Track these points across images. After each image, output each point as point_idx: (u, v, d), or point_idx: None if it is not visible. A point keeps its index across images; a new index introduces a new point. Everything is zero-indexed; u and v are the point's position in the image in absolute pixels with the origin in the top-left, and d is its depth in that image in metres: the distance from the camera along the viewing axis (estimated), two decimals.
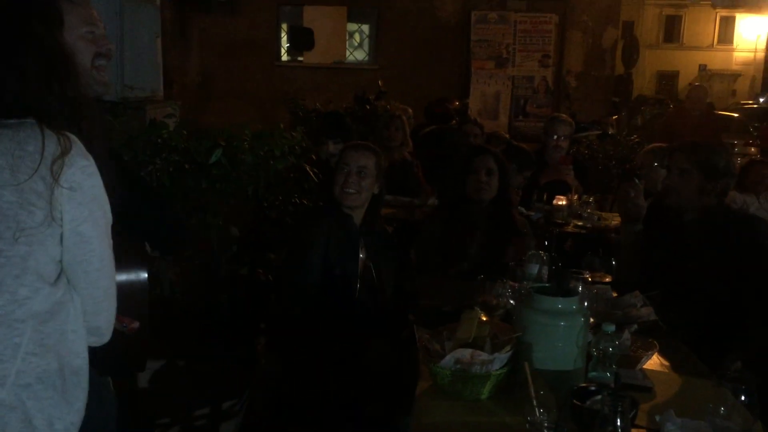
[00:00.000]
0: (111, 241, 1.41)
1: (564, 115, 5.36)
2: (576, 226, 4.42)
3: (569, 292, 2.03)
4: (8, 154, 1.25)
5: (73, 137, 1.32)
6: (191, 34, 11.10)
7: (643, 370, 2.16)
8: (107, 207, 1.39)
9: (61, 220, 1.31)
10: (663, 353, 2.34)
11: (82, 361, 1.39)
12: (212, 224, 2.99)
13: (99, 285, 1.40)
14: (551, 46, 11.20)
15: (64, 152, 1.29)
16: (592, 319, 2.15)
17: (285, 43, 11.86)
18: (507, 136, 6.64)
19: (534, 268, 2.46)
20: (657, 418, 1.78)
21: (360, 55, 12.39)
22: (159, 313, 3.07)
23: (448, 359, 1.94)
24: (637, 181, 3.14)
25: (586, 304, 2.18)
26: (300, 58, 11.96)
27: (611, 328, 1.93)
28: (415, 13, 11.17)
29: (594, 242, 4.17)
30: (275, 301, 2.78)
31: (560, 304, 1.99)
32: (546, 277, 2.47)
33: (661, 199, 3.05)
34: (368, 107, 6.01)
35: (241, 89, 10.35)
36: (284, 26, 11.81)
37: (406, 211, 4.52)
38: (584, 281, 2.38)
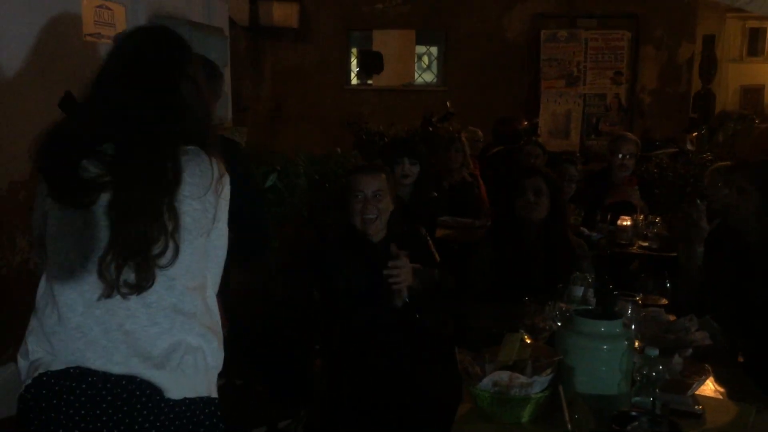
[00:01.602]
0: None
1: (629, 134, 5.27)
2: (641, 247, 4.32)
3: (612, 315, 2.00)
4: (196, 176, 1.64)
5: (220, 161, 1.71)
6: (264, 62, 11.45)
7: (695, 396, 2.10)
8: None
9: (217, 221, 1.71)
10: (719, 379, 2.26)
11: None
12: (269, 246, 3.07)
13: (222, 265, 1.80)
14: (624, 62, 10.98)
15: (222, 174, 1.70)
16: (638, 343, 2.11)
17: (354, 67, 12.06)
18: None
19: (579, 291, 2.43)
20: None
21: (428, 77, 12.45)
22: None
23: (486, 381, 1.94)
24: (699, 201, 3.05)
25: (633, 327, 2.14)
26: (369, 82, 12.12)
27: (654, 352, 1.88)
28: (482, 34, 11.18)
29: (660, 263, 4.07)
30: (324, 320, 2.84)
31: (602, 327, 1.96)
32: (592, 299, 2.43)
33: (722, 220, 2.95)
34: (431, 129, 6.05)
35: (312, 113, 10.58)
36: (354, 50, 12.02)
37: (466, 232, 4.52)
38: (634, 304, 2.33)
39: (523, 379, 1.92)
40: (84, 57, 3.52)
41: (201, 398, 1.67)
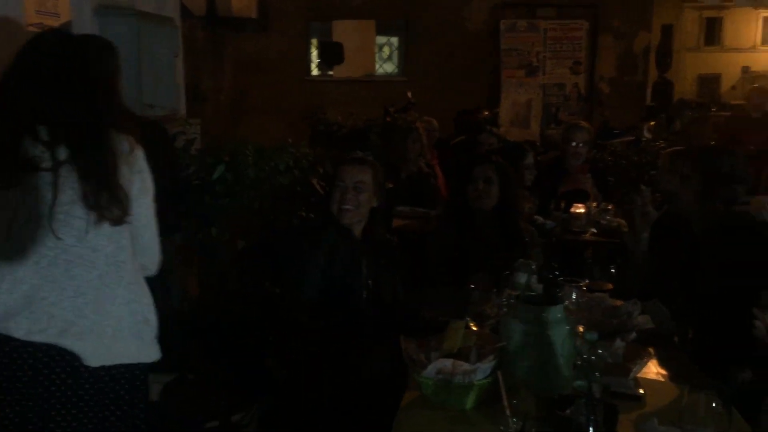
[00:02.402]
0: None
1: (583, 122, 5.31)
2: (593, 234, 4.37)
3: (554, 301, 2.02)
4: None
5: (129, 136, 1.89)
6: (223, 53, 11.31)
7: (636, 379, 2.14)
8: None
9: (135, 196, 1.87)
10: (662, 362, 2.31)
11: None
12: (219, 239, 3.04)
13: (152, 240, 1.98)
14: (582, 52, 11.10)
15: (132, 148, 1.88)
16: (581, 328, 2.13)
17: (315, 58, 11.99)
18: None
19: (522, 277, 2.45)
20: None
21: (389, 68, 12.44)
22: (169, 326, 3.13)
23: (430, 369, 1.95)
24: (643, 188, 3.09)
25: (573, 312, 2.16)
26: (330, 73, 12.06)
27: (594, 336, 1.91)
28: (443, 24, 11.20)
29: (613, 250, 4.12)
30: (281, 315, 2.82)
31: (544, 312, 1.98)
32: (538, 286, 2.45)
33: (669, 206, 3.00)
34: (388, 119, 6.04)
35: (273, 105, 10.49)
36: (314, 41, 11.94)
37: (422, 222, 4.52)
38: (579, 290, 2.36)
39: (466, 366, 1.93)
40: None
41: (122, 365, 1.86)
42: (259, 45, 11.07)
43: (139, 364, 1.91)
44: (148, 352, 1.93)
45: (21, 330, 1.77)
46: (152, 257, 2.00)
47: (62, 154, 1.81)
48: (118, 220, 1.82)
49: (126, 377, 1.88)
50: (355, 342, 2.64)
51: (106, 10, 4.16)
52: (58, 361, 1.79)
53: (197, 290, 3.32)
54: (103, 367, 1.83)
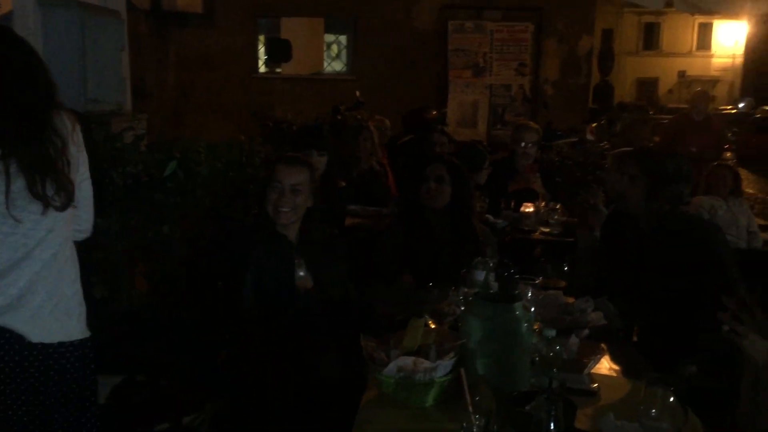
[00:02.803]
0: None
1: (532, 123, 5.40)
2: (542, 232, 4.45)
3: (512, 298, 2.04)
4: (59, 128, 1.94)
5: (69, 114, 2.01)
6: (168, 48, 11.09)
7: (590, 375, 2.18)
8: None
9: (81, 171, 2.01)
10: (614, 358, 2.36)
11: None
12: (170, 237, 2.97)
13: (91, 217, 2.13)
14: (528, 54, 11.28)
15: (74, 124, 1.99)
16: (537, 325, 2.16)
17: (262, 55, 11.87)
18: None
19: (480, 275, 2.47)
20: None
21: (338, 66, 12.42)
22: (119, 327, 3.05)
23: (391, 367, 1.95)
24: (594, 186, 3.16)
25: (532, 309, 2.19)
26: (278, 70, 11.96)
27: (551, 333, 1.94)
28: (391, 23, 11.21)
29: (562, 248, 4.20)
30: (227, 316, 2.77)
31: (503, 310, 2.00)
32: (494, 284, 2.47)
33: (617, 205, 3.07)
34: (339, 117, 6.02)
35: (219, 101, 10.33)
36: (261, 38, 11.82)
37: (374, 220, 4.53)
38: (534, 287, 2.39)
39: (427, 363, 1.94)
40: None
41: (68, 342, 1.95)
42: (205, 41, 10.88)
43: (84, 339, 2.00)
44: (84, 327, 2.02)
45: None
46: (89, 222, 2.13)
47: (5, 145, 1.87)
48: (63, 208, 1.92)
49: (72, 353, 1.97)
50: (304, 342, 2.61)
51: (49, 1, 4.03)
52: (2, 340, 1.87)
53: (145, 289, 3.24)
54: (49, 344, 1.92)
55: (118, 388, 3.08)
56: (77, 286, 2.02)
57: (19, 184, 1.87)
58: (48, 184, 1.89)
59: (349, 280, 2.83)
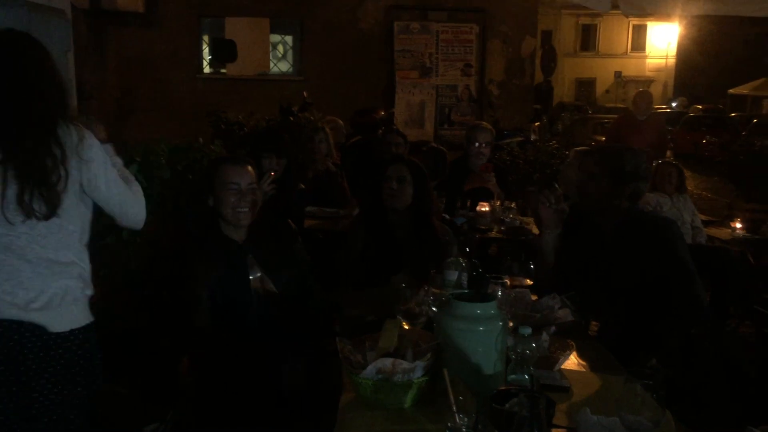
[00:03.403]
0: None
1: (485, 123, 5.47)
2: (499, 231, 4.51)
3: (487, 298, 2.07)
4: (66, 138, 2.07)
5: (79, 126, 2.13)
6: (108, 48, 10.81)
7: (561, 371, 2.22)
8: None
9: (88, 180, 2.14)
10: (581, 353, 2.40)
11: None
12: (130, 242, 2.90)
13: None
14: (473, 55, 11.42)
15: (81, 137, 2.11)
16: (510, 323, 2.19)
17: (207, 56, 11.68)
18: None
19: (453, 275, 2.49)
20: None
21: (284, 67, 12.31)
22: None
23: (370, 369, 1.94)
24: (556, 185, 3.21)
25: (504, 308, 2.22)
26: (223, 70, 11.79)
27: (528, 330, 1.97)
28: (337, 24, 11.20)
29: (517, 247, 4.27)
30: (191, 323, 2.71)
31: (478, 309, 2.02)
32: (466, 283, 2.50)
33: (574, 202, 3.13)
34: (292, 119, 5.98)
35: (163, 103, 10.13)
36: (206, 38, 11.63)
37: (331, 221, 4.52)
38: (503, 286, 2.42)
39: (405, 364, 1.94)
40: None
41: (77, 329, 2.13)
42: (147, 41, 10.66)
43: (89, 324, 2.19)
44: (89, 313, 2.21)
45: None
46: (135, 218, 2.30)
47: (5, 151, 1.99)
48: (46, 218, 2.03)
49: (81, 339, 2.15)
50: (267, 346, 2.58)
51: None
52: (24, 334, 2.03)
53: (104, 297, 3.15)
54: (64, 333, 2.09)
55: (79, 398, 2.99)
56: (85, 277, 2.17)
57: (12, 190, 1.98)
58: (35, 195, 2.00)
59: (311, 276, 2.80)
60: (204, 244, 2.66)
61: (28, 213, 2.00)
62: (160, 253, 2.95)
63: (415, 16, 11.33)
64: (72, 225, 2.12)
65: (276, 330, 2.63)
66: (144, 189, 2.89)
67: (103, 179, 2.16)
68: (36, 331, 2.04)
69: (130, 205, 2.27)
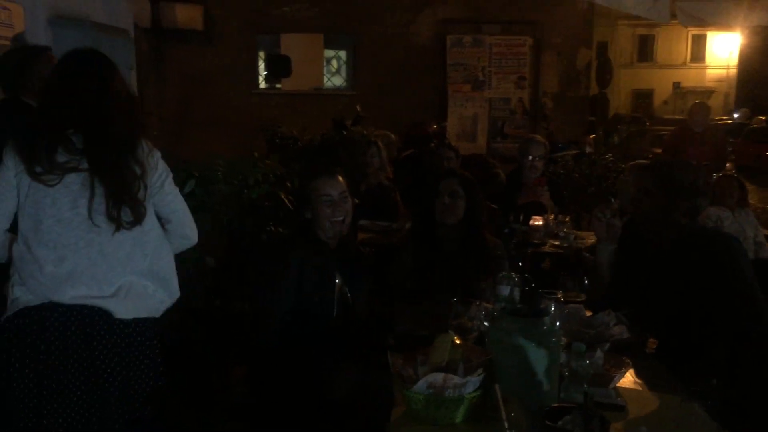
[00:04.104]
0: None
1: (538, 136, 5.43)
2: (553, 245, 4.46)
3: (539, 313, 2.05)
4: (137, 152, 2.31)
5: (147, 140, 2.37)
6: (168, 65, 11.13)
7: (616, 389, 2.18)
8: None
9: (156, 187, 2.38)
10: (637, 371, 2.36)
11: None
12: (188, 255, 2.97)
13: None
14: (527, 67, 11.35)
15: (150, 149, 2.34)
16: (564, 339, 2.17)
17: (263, 71, 11.91)
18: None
19: (505, 290, 2.48)
20: None
21: (338, 81, 12.46)
22: None
23: (421, 384, 1.94)
24: (612, 200, 3.16)
25: (557, 324, 2.19)
26: (278, 86, 12.00)
27: (581, 347, 1.94)
28: (390, 38, 11.28)
29: (571, 262, 4.21)
30: (252, 331, 2.77)
31: (530, 324, 2.01)
32: (518, 298, 2.48)
33: (631, 218, 3.08)
34: (345, 133, 6.05)
35: (219, 118, 10.35)
36: (262, 54, 11.87)
37: (384, 235, 4.54)
38: (556, 301, 2.39)
39: (456, 379, 1.94)
40: None
41: (141, 318, 2.33)
42: (205, 58, 10.93)
43: (149, 318, 2.37)
44: (152, 309, 2.38)
45: (65, 295, 2.22)
46: (189, 232, 2.50)
47: (93, 161, 2.22)
48: (132, 227, 2.27)
49: (145, 327, 2.35)
50: (330, 357, 2.62)
51: (60, 21, 4.06)
52: (95, 318, 2.25)
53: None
54: (128, 320, 2.30)
55: None
56: (149, 275, 2.36)
57: (100, 199, 2.22)
58: (122, 208, 2.24)
59: (371, 296, 2.85)
60: (302, 241, 2.73)
61: (118, 224, 2.24)
62: (220, 265, 3.03)
63: (468, 29, 11.33)
64: (146, 226, 2.33)
65: (343, 336, 2.67)
66: (202, 203, 2.99)
67: (170, 189, 2.40)
68: (104, 316, 2.26)
69: (189, 218, 2.48)
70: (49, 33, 4.00)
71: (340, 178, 2.80)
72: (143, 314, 2.35)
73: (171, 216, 2.43)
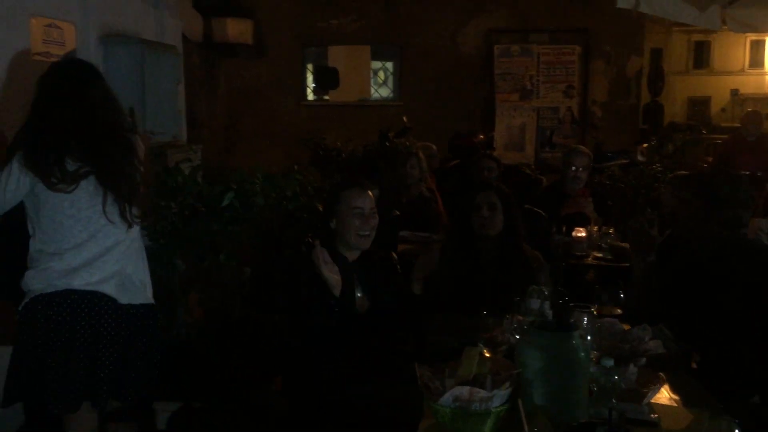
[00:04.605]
0: None
1: (582, 147, 5.37)
2: (595, 257, 4.39)
3: (568, 327, 2.03)
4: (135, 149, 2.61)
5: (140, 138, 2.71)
6: (219, 79, 11.37)
7: (650, 405, 2.14)
8: None
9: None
10: (673, 387, 2.31)
11: None
12: (226, 266, 3.04)
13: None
14: (575, 76, 11.21)
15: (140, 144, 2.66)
16: (594, 354, 2.14)
17: (311, 83, 12.06)
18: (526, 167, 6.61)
19: (535, 303, 2.46)
20: None
21: (384, 92, 12.53)
22: (175, 355, 3.12)
23: (447, 397, 1.94)
24: (649, 210, 3.11)
25: (588, 338, 2.17)
26: (326, 97, 12.13)
27: (610, 362, 1.92)
28: (437, 49, 11.30)
29: (615, 273, 4.14)
30: (286, 344, 2.80)
31: (558, 339, 1.99)
32: (548, 311, 2.46)
33: (672, 229, 3.02)
34: (388, 144, 6.08)
35: (268, 130, 10.51)
36: (309, 66, 12.02)
37: (424, 246, 4.53)
38: (589, 315, 2.36)
39: (483, 393, 1.93)
40: (33, 76, 3.43)
41: (141, 304, 2.61)
42: (255, 71, 11.12)
43: (150, 304, 2.66)
44: (150, 296, 2.69)
45: (80, 282, 2.48)
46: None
47: (97, 166, 2.46)
48: (141, 221, 2.61)
49: (144, 313, 2.62)
50: (356, 370, 2.62)
51: (110, 39, 4.20)
52: (102, 303, 2.50)
53: (203, 318, 3.31)
54: (131, 305, 2.56)
55: (175, 414, 3.15)
56: (146, 265, 2.69)
57: (111, 199, 2.48)
58: (130, 205, 2.52)
59: (405, 303, 2.84)
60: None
61: (129, 224, 2.53)
62: (255, 275, 3.08)
63: (515, 39, 11.27)
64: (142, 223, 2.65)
65: (366, 351, 2.68)
66: (239, 215, 3.06)
67: None
68: (109, 301, 2.52)
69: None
70: (100, 51, 4.14)
71: (371, 194, 2.80)
72: (141, 300, 2.62)
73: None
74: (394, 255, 2.96)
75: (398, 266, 2.95)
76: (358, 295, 2.74)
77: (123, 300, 2.55)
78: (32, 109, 2.50)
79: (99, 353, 2.50)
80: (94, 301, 2.50)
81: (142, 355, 2.61)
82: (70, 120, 2.47)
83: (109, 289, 2.52)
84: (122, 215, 2.50)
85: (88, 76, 2.58)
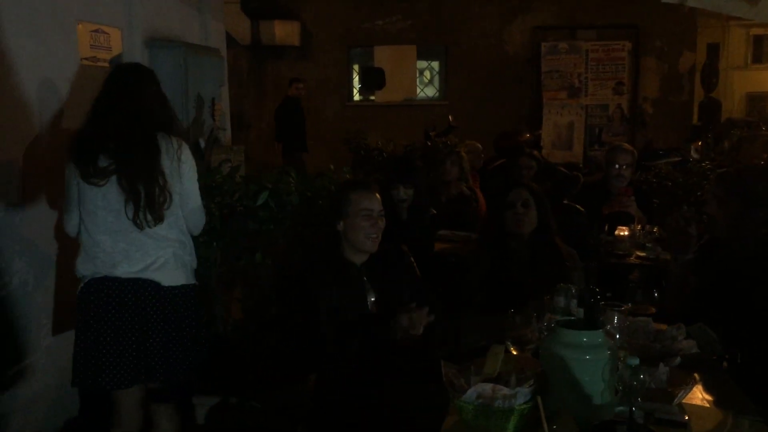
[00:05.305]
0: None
1: (626, 144, 5.26)
2: (638, 257, 4.32)
3: (594, 326, 2.01)
4: (165, 149, 2.71)
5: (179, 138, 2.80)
6: (266, 80, 11.54)
7: (681, 405, 2.10)
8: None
9: (183, 179, 2.77)
10: (707, 388, 2.26)
11: None
12: (262, 264, 3.09)
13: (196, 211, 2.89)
14: (625, 73, 11.02)
15: (180, 145, 2.75)
16: (623, 353, 2.11)
17: (357, 84, 12.14)
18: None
19: (561, 301, 2.44)
20: None
21: (430, 92, 12.51)
22: (213, 352, 3.19)
23: (470, 393, 1.95)
24: (686, 208, 3.05)
25: (617, 337, 2.14)
26: (372, 97, 12.19)
27: (634, 361, 1.89)
28: (483, 48, 11.24)
29: (659, 273, 4.06)
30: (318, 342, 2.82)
31: (584, 337, 1.97)
32: (578, 309, 2.43)
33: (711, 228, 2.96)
34: (429, 143, 6.08)
35: (314, 130, 10.63)
36: (356, 67, 12.10)
37: (463, 245, 4.52)
38: (620, 314, 2.33)
39: (506, 390, 1.93)
40: (81, 80, 3.56)
41: (182, 285, 2.77)
42: (301, 72, 11.26)
43: (190, 284, 2.82)
44: (192, 276, 2.84)
45: (121, 271, 2.68)
46: (197, 222, 2.87)
47: (120, 165, 2.63)
48: (151, 226, 2.68)
49: (186, 293, 2.78)
50: (386, 367, 2.63)
51: (155, 43, 4.31)
52: (146, 287, 2.69)
53: (241, 315, 3.38)
54: (172, 287, 2.73)
55: (213, 409, 3.22)
56: (190, 244, 2.84)
57: (132, 198, 2.64)
58: (148, 215, 2.66)
59: (431, 298, 2.81)
60: (326, 265, 2.76)
61: (139, 226, 2.67)
62: (288, 275, 3.11)
63: (562, 35, 11.13)
64: (179, 210, 2.75)
65: (392, 350, 2.68)
66: (274, 215, 3.11)
67: (187, 180, 2.77)
68: (152, 285, 2.70)
69: (198, 213, 2.85)
70: (146, 54, 4.25)
71: (378, 195, 2.76)
72: (183, 281, 2.77)
73: (187, 200, 2.79)
74: (404, 247, 2.91)
75: (411, 259, 2.90)
76: (371, 299, 2.72)
77: (165, 283, 2.72)
78: (91, 107, 2.73)
79: (148, 334, 2.69)
80: (137, 286, 2.69)
81: (189, 333, 2.77)
82: (113, 122, 2.66)
83: (150, 275, 2.70)
84: (134, 217, 2.64)
85: (140, 80, 2.76)
